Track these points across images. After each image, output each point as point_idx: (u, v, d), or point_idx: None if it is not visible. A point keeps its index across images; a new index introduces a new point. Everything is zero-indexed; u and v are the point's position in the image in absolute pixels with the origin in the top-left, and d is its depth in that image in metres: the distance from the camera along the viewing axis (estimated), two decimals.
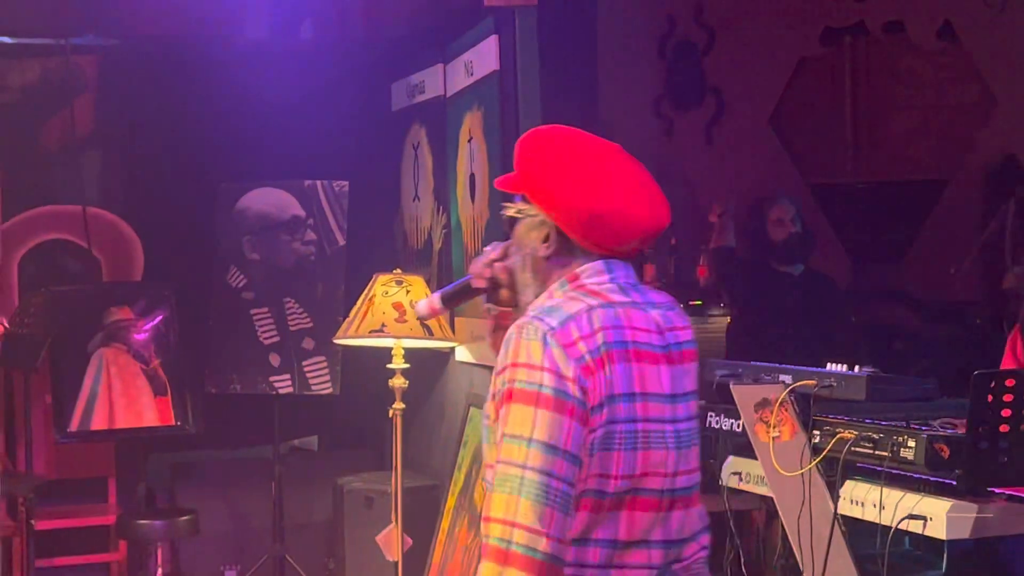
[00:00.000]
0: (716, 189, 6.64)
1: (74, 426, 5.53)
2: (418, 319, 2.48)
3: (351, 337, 5.10)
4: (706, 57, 6.92)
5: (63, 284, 5.91)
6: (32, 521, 5.29)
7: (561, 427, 2.05)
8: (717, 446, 3.79)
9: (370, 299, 5.08)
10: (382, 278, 5.14)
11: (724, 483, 3.71)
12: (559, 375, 2.07)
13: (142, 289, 5.89)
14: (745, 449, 3.61)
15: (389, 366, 5.03)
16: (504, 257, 2.33)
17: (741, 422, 3.53)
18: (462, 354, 5.36)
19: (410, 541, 5.05)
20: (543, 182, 2.21)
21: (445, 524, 5.21)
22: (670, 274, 6.12)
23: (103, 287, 6.00)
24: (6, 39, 6.19)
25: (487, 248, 2.38)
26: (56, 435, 5.58)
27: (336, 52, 6.21)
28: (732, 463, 3.70)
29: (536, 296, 2.26)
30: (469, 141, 5.17)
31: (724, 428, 3.67)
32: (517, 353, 2.10)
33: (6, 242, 5.96)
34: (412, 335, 4.98)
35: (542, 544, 1.98)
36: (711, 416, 3.76)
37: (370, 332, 5.01)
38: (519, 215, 2.26)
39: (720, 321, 5.77)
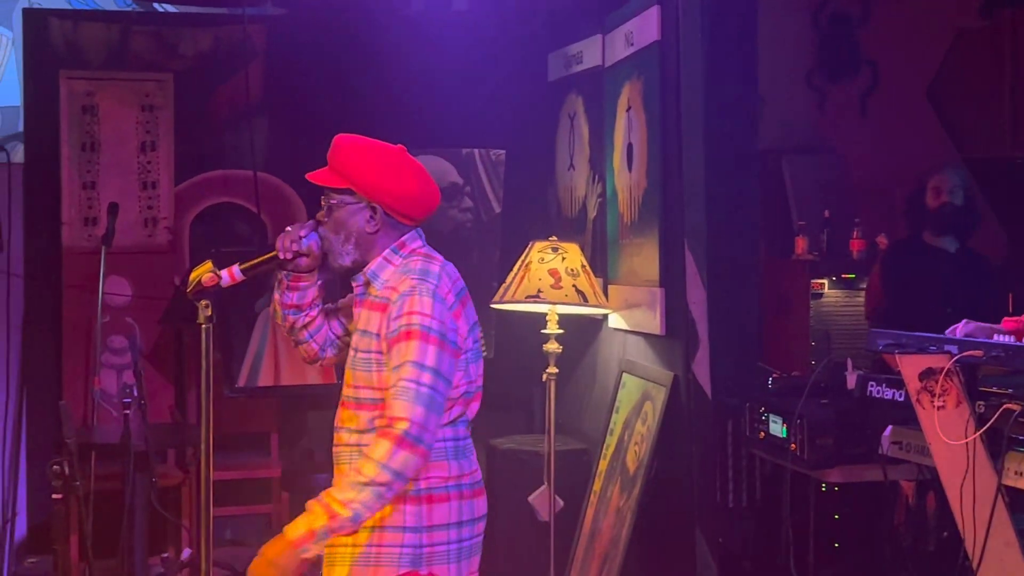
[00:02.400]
0: (869, 162, 6.59)
1: (241, 382, 5.76)
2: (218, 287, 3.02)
3: (507, 302, 5.21)
4: (862, 28, 6.85)
5: (232, 246, 6.16)
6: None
7: (441, 358, 2.88)
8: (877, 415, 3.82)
9: (526, 265, 5.18)
10: (538, 245, 5.24)
11: (884, 452, 3.73)
12: (441, 322, 2.90)
13: None
14: (905, 419, 3.63)
15: (544, 331, 5.15)
16: (309, 235, 3.01)
17: (903, 391, 3.55)
18: (615, 321, 5.44)
19: (562, 503, 5.17)
20: (371, 177, 2.96)
21: (597, 487, 5.32)
22: (822, 247, 6.10)
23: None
24: (174, 8, 6.45)
25: (289, 228, 3.04)
26: (224, 390, 5.82)
27: (495, 22, 6.32)
28: (892, 432, 3.73)
29: (355, 261, 3.00)
30: (627, 111, 5.24)
31: (885, 397, 3.69)
32: (413, 304, 2.88)
33: (179, 205, 6.22)
34: (567, 301, 5.07)
35: (425, 435, 2.83)
36: (872, 385, 3.78)
37: (526, 297, 5.11)
38: (340, 204, 2.98)
39: None
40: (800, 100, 6.79)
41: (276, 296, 3.18)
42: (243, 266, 3.06)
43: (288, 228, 3.06)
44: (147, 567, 4.96)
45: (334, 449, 3.09)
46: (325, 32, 6.27)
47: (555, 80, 6.20)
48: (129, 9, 6.45)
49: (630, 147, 5.23)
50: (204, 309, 2.74)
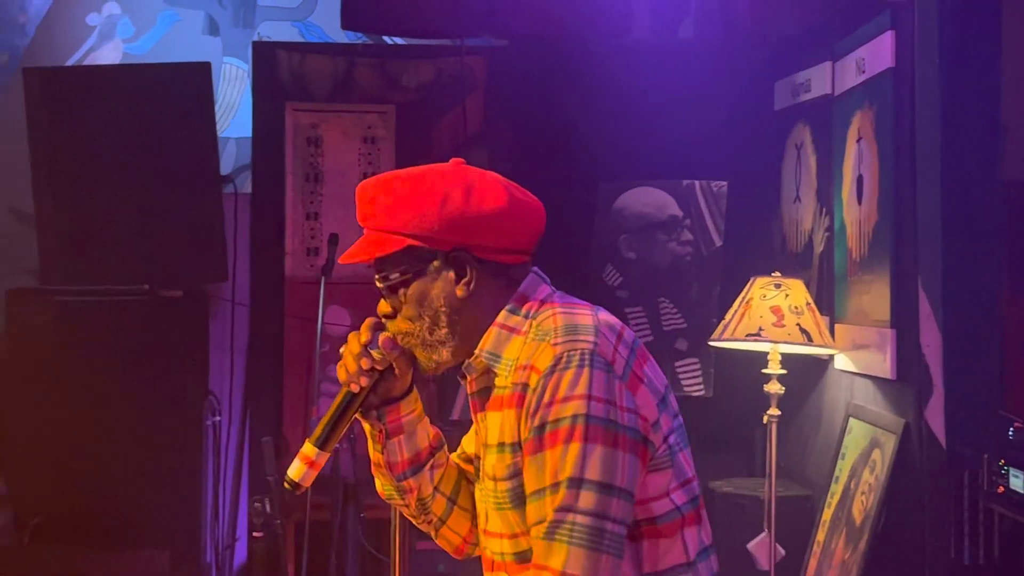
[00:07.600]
0: None
1: (455, 415, 5.72)
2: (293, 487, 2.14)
3: (727, 340, 5.03)
4: None
5: None
6: None
7: (615, 464, 1.92)
8: None
9: (747, 302, 4.99)
10: (760, 281, 5.04)
11: None
12: (609, 404, 1.92)
13: None
14: None
15: (765, 371, 4.94)
16: (373, 339, 2.08)
17: None
18: (842, 362, 5.18)
19: (783, 551, 4.94)
20: (432, 208, 2.01)
21: (820, 536, 5.05)
22: None
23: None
24: (402, 40, 6.50)
25: (341, 350, 2.11)
26: (438, 423, 5.79)
27: (718, 50, 6.15)
28: None
29: (456, 350, 2.06)
30: (858, 141, 4.99)
31: None
32: (561, 385, 1.94)
33: None
34: (790, 340, 4.86)
35: None
36: None
37: (747, 335, 4.92)
38: (405, 276, 2.05)
39: None
40: None
41: (380, 464, 2.19)
42: (316, 439, 2.13)
43: (341, 350, 2.13)
44: None
45: None
46: (545, 62, 6.22)
47: (781, 109, 5.97)
48: (356, 42, 6.53)
49: (860, 179, 4.97)
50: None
